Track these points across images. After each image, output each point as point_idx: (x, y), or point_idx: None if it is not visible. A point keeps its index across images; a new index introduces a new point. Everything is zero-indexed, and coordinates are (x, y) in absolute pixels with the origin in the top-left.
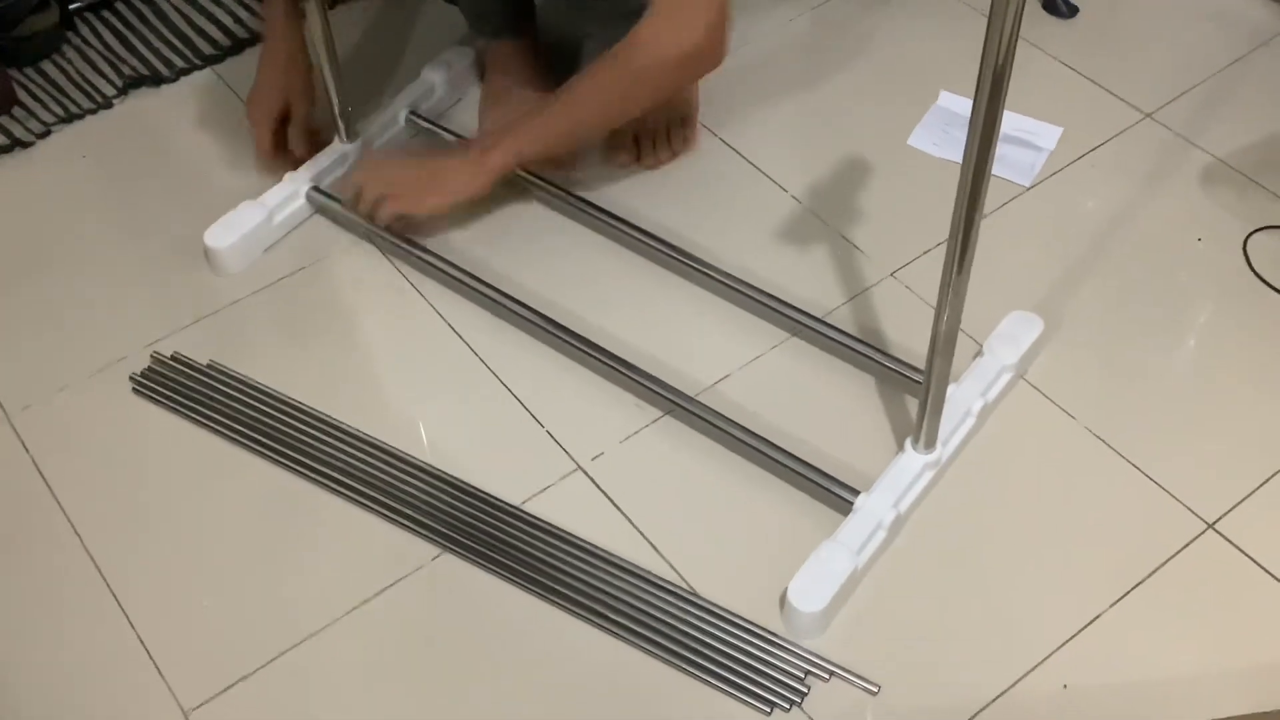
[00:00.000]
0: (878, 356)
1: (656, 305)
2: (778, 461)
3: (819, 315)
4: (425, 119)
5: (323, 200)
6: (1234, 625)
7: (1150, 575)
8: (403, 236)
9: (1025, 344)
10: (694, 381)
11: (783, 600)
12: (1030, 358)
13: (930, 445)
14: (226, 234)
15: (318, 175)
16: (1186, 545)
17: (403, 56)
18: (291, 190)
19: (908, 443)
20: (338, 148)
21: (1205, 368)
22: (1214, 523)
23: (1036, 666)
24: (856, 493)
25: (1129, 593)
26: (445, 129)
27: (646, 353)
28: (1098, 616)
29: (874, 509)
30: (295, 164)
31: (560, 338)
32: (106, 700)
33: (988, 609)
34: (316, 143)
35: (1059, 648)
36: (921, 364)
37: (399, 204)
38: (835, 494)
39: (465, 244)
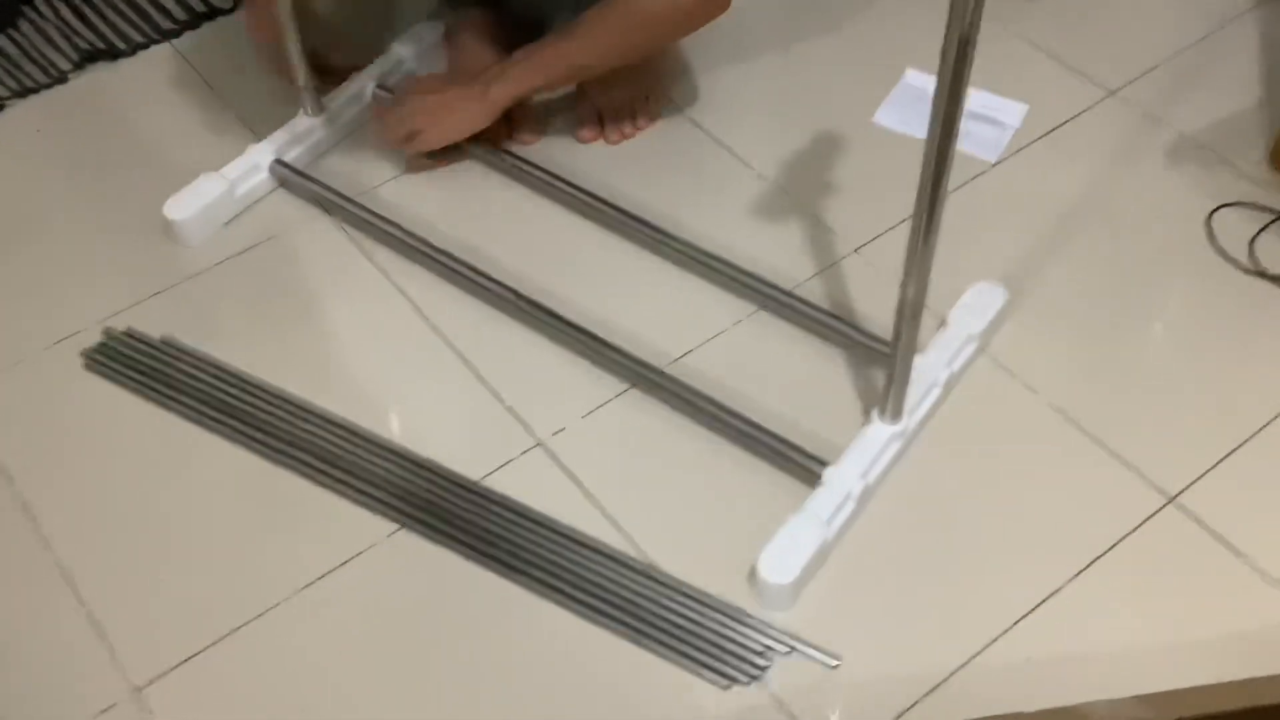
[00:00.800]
0: (844, 329)
1: (621, 279)
2: (745, 434)
3: (786, 289)
4: (392, 93)
5: (286, 173)
6: (1195, 598)
7: (1111, 548)
8: (367, 209)
9: (990, 314)
10: (660, 354)
11: (753, 573)
12: (994, 328)
13: (897, 416)
14: (186, 206)
15: (281, 148)
16: (1148, 519)
17: (371, 30)
18: (254, 162)
19: (874, 413)
20: (303, 121)
21: (1168, 343)
22: (1175, 496)
23: (998, 639)
24: (824, 464)
25: (1090, 565)
26: None
27: (612, 325)
28: (1059, 588)
29: (842, 480)
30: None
31: (525, 310)
32: (53, 676)
33: (950, 582)
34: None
35: (1020, 620)
36: (887, 336)
37: (413, 144)
38: (803, 465)
39: (430, 218)
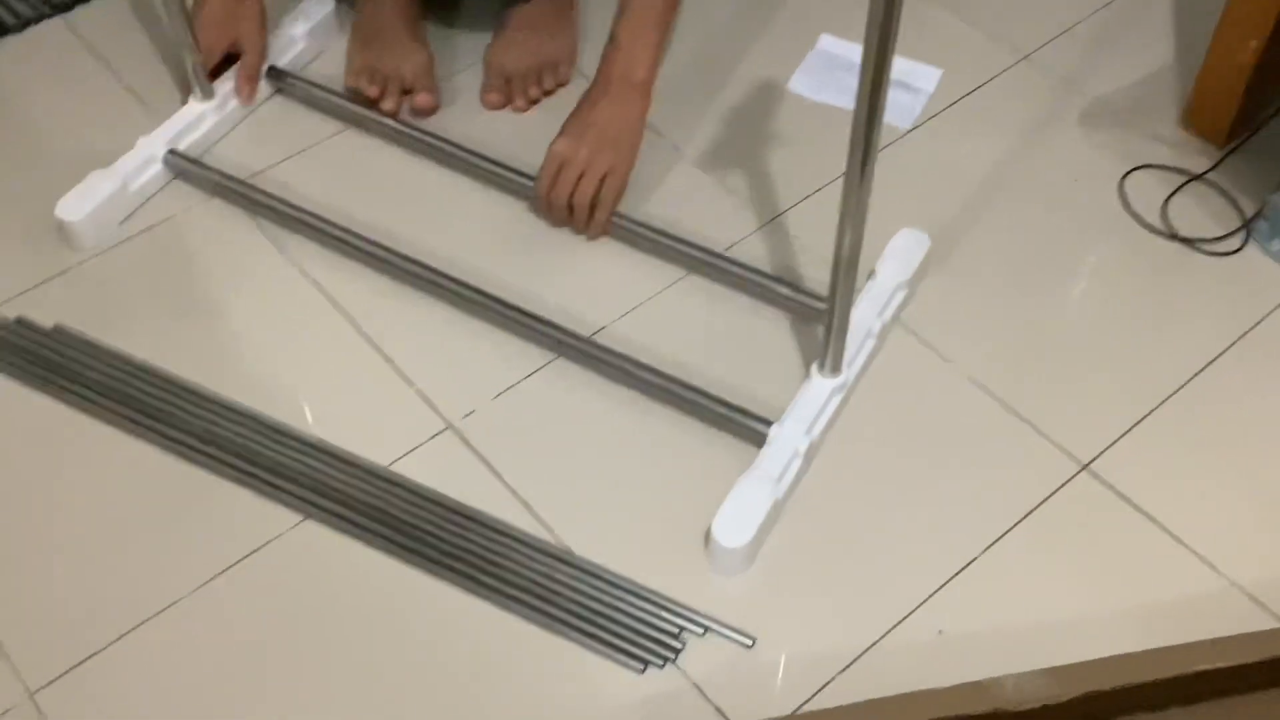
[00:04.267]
0: (778, 287)
1: (538, 250)
2: (683, 398)
3: (715, 250)
4: (287, 74)
5: (181, 163)
6: (1109, 566)
7: (1024, 518)
8: (266, 194)
9: (916, 260)
10: (585, 323)
11: (707, 538)
12: (920, 275)
13: (836, 369)
14: (80, 205)
15: (174, 138)
16: (1060, 487)
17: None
18: (147, 155)
19: (814, 368)
20: (195, 108)
21: (1082, 308)
22: (1088, 464)
23: (910, 614)
24: (769, 423)
25: (1003, 536)
26: (309, 82)
27: (531, 296)
28: (972, 560)
29: (788, 437)
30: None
31: (437, 285)
32: None
33: (864, 558)
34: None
35: (933, 594)
36: (820, 293)
37: (609, 192)
38: (747, 426)
39: (330, 198)
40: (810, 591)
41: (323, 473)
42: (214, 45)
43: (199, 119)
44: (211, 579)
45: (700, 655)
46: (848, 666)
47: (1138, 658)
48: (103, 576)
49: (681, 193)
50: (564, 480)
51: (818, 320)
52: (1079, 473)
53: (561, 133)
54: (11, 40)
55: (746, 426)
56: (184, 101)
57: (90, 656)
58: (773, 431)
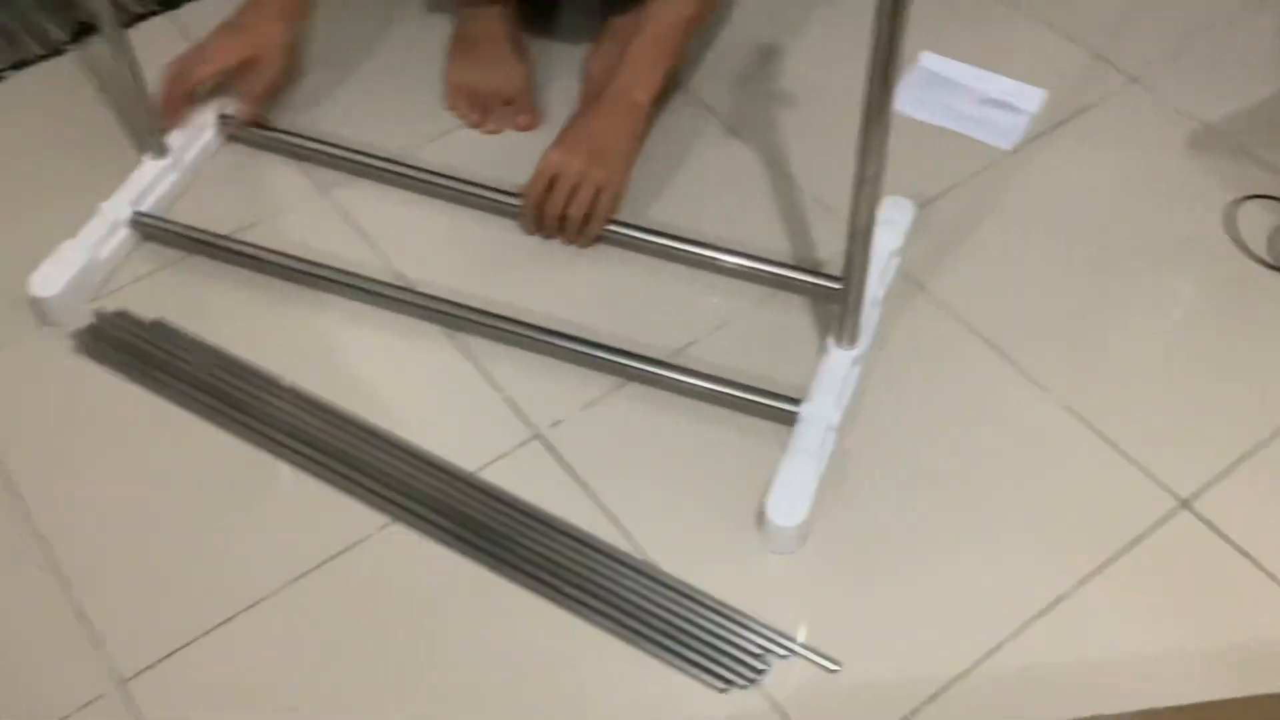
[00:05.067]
0: (789, 273)
1: (529, 265)
2: (709, 391)
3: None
4: (237, 119)
5: (150, 223)
6: (1206, 606)
7: (1121, 553)
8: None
9: (904, 226)
10: (654, 348)
11: (761, 519)
12: (908, 240)
13: (853, 340)
14: (53, 281)
15: (136, 199)
16: (1159, 523)
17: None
18: (112, 219)
19: (829, 343)
20: (152, 166)
21: (1183, 338)
22: (1188, 500)
23: (1001, 645)
24: (798, 402)
25: (1099, 570)
26: (266, 127)
27: (589, 326)
28: (1065, 594)
29: (820, 411)
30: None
31: (485, 328)
32: (38, 666)
33: (949, 582)
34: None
35: (1024, 625)
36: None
37: (601, 206)
38: (777, 408)
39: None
40: (895, 613)
41: (410, 475)
42: (223, 54)
43: (159, 176)
44: (301, 575)
45: (783, 677)
46: (935, 696)
47: (1232, 704)
48: (196, 569)
49: (774, 207)
50: (641, 488)
51: (829, 300)
52: (1178, 509)
53: (556, 143)
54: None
55: (776, 408)
56: (139, 160)
57: (181, 647)
58: (804, 410)
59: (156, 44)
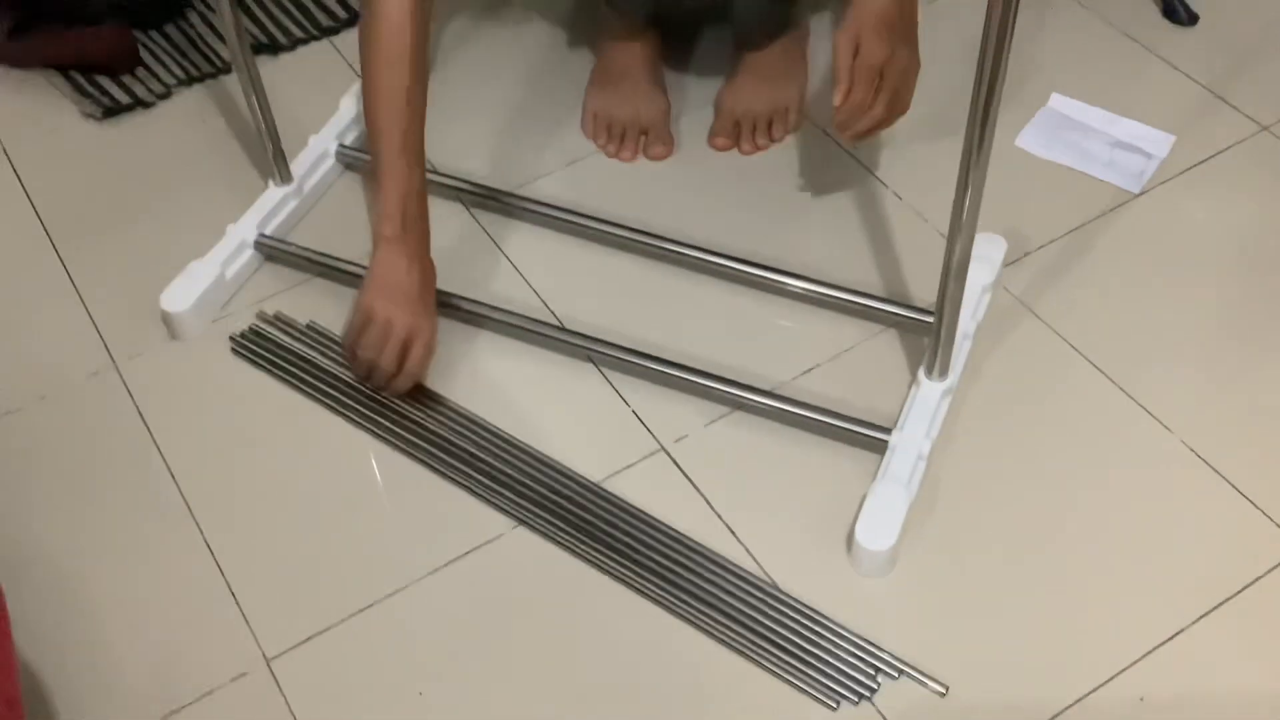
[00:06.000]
0: (880, 305)
1: (677, 302)
2: (812, 419)
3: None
4: (355, 149)
5: (273, 245)
6: None
7: (1238, 593)
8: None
9: (997, 262)
10: (761, 378)
11: (850, 543)
12: (1000, 277)
13: (944, 372)
14: (182, 298)
15: (261, 222)
16: (1277, 564)
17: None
18: (238, 240)
19: (920, 373)
20: (276, 192)
21: None
22: None
23: (1114, 676)
24: (889, 430)
25: (1215, 609)
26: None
27: (705, 357)
28: (1181, 630)
29: (910, 441)
30: None
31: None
32: (193, 640)
33: (1065, 610)
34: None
35: (1139, 659)
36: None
37: (414, 369)
38: (870, 436)
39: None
40: (1003, 639)
41: (538, 481)
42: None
43: (282, 201)
44: (433, 571)
45: (892, 697)
46: None
47: None
48: (336, 558)
49: (900, 240)
50: (755, 504)
51: (920, 333)
52: None
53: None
54: (284, 57)
55: (869, 437)
56: (264, 186)
57: (323, 631)
58: (894, 439)
59: (315, 64)
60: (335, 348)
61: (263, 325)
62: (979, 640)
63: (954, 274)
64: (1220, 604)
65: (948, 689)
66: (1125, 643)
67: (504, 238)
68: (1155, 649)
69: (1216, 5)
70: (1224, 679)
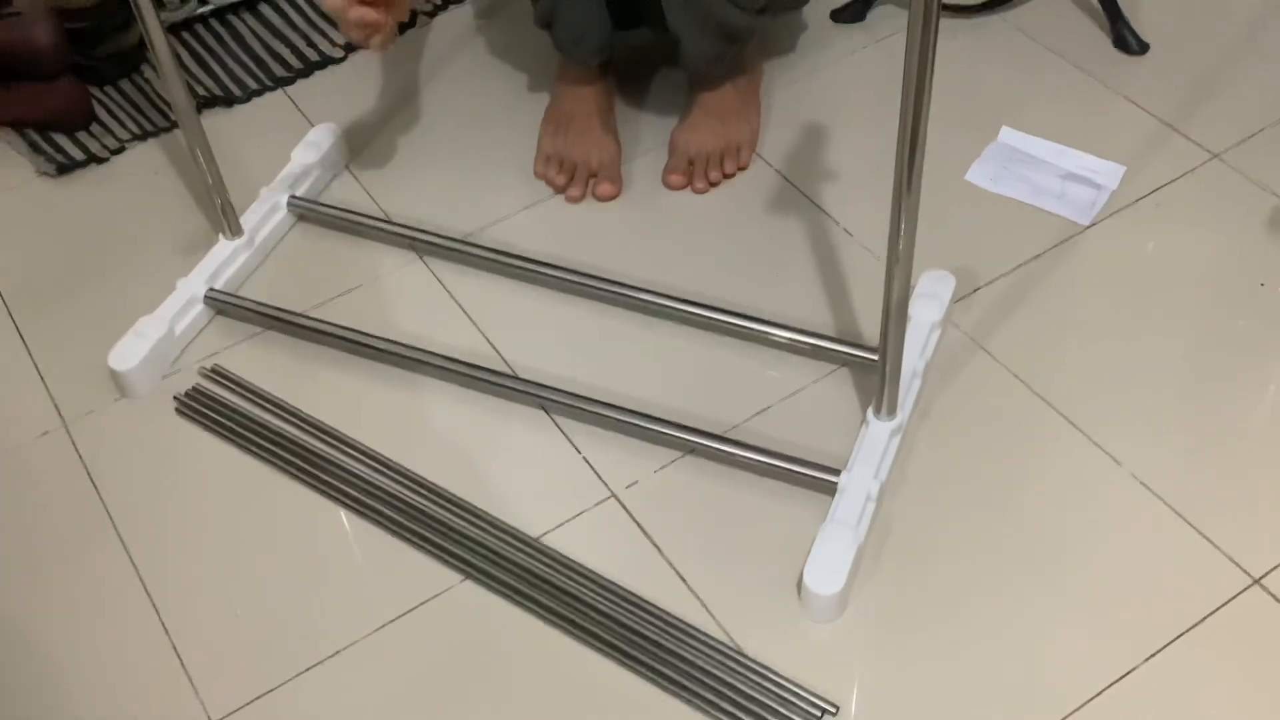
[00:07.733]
0: (827, 345)
1: (622, 343)
2: (761, 463)
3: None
4: (307, 200)
5: (223, 300)
6: (1277, 686)
7: (1190, 629)
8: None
9: (946, 299)
10: (709, 420)
11: (799, 588)
12: (949, 314)
13: (892, 411)
14: (130, 355)
15: (211, 276)
16: (1229, 600)
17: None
18: (187, 296)
19: (869, 413)
20: (226, 246)
21: (1261, 416)
22: (1260, 578)
23: (1069, 715)
24: (837, 472)
25: (1166, 646)
26: (330, 206)
27: (654, 401)
28: (1132, 669)
29: (858, 482)
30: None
31: (580, 408)
32: (137, 702)
33: (1009, 652)
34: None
35: (1090, 699)
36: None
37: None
38: (817, 478)
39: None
40: (946, 687)
41: (482, 536)
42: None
43: (232, 256)
44: (379, 628)
45: None
46: None
47: None
48: (284, 617)
49: (851, 278)
50: (704, 550)
51: (861, 372)
52: (1250, 587)
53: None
54: (239, 109)
55: (816, 478)
56: (215, 240)
57: (269, 691)
58: (842, 480)
59: (270, 115)
60: (278, 403)
61: (205, 384)
62: (932, 683)
63: (894, 312)
64: (1174, 639)
65: None
66: (1080, 680)
67: (457, 285)
68: (1110, 685)
69: (1166, 34)
70: (1182, 714)
